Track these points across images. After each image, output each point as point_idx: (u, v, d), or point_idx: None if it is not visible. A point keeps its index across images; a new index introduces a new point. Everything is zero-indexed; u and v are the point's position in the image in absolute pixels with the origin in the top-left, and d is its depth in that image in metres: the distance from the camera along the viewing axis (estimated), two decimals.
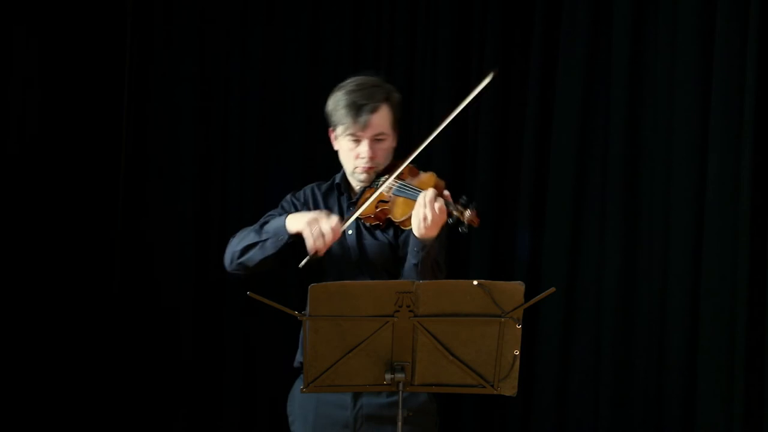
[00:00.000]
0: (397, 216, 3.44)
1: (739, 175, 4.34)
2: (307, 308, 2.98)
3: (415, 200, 3.34)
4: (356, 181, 3.58)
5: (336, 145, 3.61)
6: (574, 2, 4.83)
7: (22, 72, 5.27)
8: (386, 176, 3.50)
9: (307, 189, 3.67)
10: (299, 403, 3.52)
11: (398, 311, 2.98)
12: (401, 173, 3.47)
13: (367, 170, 3.52)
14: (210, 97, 5.45)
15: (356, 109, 3.49)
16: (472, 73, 5.06)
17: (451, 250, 3.55)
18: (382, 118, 3.52)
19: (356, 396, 3.42)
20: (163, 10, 5.47)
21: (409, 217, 3.36)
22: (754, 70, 4.31)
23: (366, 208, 3.47)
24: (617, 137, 4.71)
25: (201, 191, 5.43)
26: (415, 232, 3.32)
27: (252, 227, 3.55)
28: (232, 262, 3.52)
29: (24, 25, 5.25)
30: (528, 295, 3.02)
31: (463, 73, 5.08)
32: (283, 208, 3.63)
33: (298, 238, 3.40)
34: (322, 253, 3.36)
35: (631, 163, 4.69)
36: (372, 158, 3.51)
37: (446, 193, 3.37)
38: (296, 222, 3.41)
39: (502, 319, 3.00)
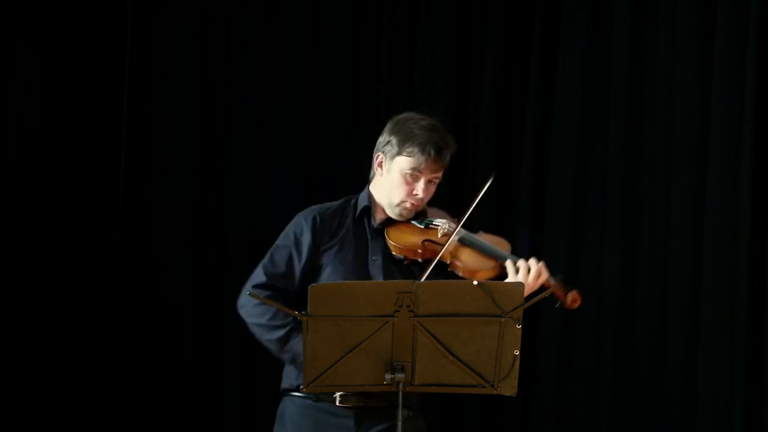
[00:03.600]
0: (467, 264, 3.41)
1: (739, 175, 4.34)
2: (307, 308, 2.98)
3: (492, 257, 3.41)
4: (395, 213, 3.50)
5: (381, 172, 3.52)
6: (574, 2, 4.83)
7: (22, 72, 5.27)
8: (430, 218, 3.49)
9: (317, 215, 3.53)
10: (291, 422, 3.45)
11: (398, 311, 2.98)
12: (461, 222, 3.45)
13: (414, 207, 3.49)
14: (210, 97, 5.45)
15: (436, 150, 3.41)
16: (472, 73, 5.07)
17: None
18: (445, 164, 3.48)
19: (359, 423, 3.39)
20: (163, 10, 5.47)
21: (483, 270, 3.38)
22: (754, 70, 4.31)
23: (410, 241, 3.45)
24: (617, 137, 4.71)
25: (201, 191, 5.43)
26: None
27: (269, 284, 3.45)
28: (246, 322, 3.51)
29: (24, 26, 5.25)
30: (528, 296, 3.02)
31: (463, 73, 5.08)
32: (297, 243, 3.49)
33: None
34: None
35: (631, 163, 4.69)
36: (424, 199, 3.47)
37: (542, 264, 3.41)
38: None
39: (502, 319, 3.00)
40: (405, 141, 3.44)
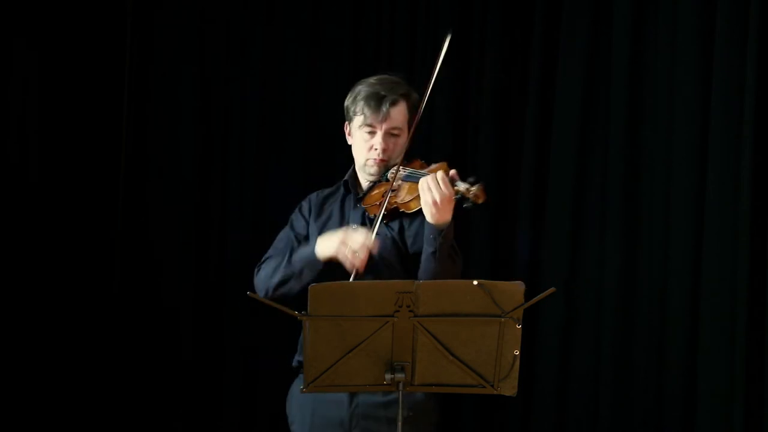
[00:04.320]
0: (402, 198, 3.45)
1: (739, 175, 4.34)
2: (308, 308, 2.98)
3: (417, 183, 3.39)
4: (366, 175, 3.59)
5: (350, 140, 3.63)
6: (574, 2, 4.83)
7: (22, 71, 5.27)
8: (395, 168, 3.51)
9: (311, 197, 3.70)
10: (297, 403, 3.53)
11: (398, 311, 2.98)
12: (411, 164, 3.49)
13: (379, 163, 3.54)
14: (210, 97, 5.45)
15: (377, 99, 3.51)
16: (472, 73, 5.07)
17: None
18: (399, 113, 3.55)
19: (353, 394, 3.43)
20: (163, 10, 5.47)
21: (414, 198, 3.39)
22: (754, 70, 4.30)
23: (374, 197, 3.50)
24: (617, 137, 4.71)
25: (201, 191, 5.43)
26: (429, 218, 3.34)
27: (275, 257, 3.57)
28: (268, 293, 3.53)
29: (24, 26, 5.25)
30: (528, 295, 3.02)
31: (463, 73, 5.08)
32: (293, 226, 3.67)
33: (332, 261, 3.41)
34: (362, 269, 3.36)
35: (631, 163, 4.69)
36: (384, 150, 3.53)
37: (452, 171, 3.39)
38: (326, 247, 3.42)
39: (502, 319, 3.00)
40: (354, 101, 3.56)
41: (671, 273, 4.54)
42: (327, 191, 3.70)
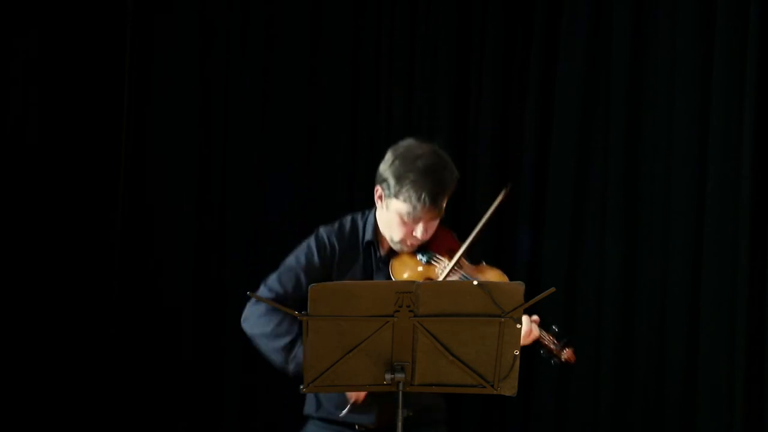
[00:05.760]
0: None
1: (739, 175, 4.34)
2: (307, 308, 2.98)
3: None
4: (396, 248, 3.48)
5: (380, 205, 3.45)
6: (574, 2, 4.83)
7: (23, 72, 5.27)
8: (434, 252, 3.45)
9: (332, 240, 3.50)
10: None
11: (398, 311, 2.98)
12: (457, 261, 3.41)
13: (414, 247, 3.45)
14: (210, 98, 5.45)
15: (431, 197, 3.33)
16: (472, 74, 5.07)
17: None
18: (443, 210, 3.43)
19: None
20: (163, 11, 5.47)
21: None
22: (754, 70, 4.31)
23: (405, 272, 3.45)
24: (617, 137, 4.71)
25: (201, 191, 5.43)
26: None
27: (287, 289, 3.43)
28: (250, 336, 3.49)
29: (24, 26, 5.25)
30: (528, 295, 3.02)
31: (463, 74, 5.08)
32: (309, 269, 3.47)
33: None
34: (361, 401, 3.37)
35: (631, 163, 4.69)
36: (423, 239, 3.43)
37: (535, 317, 3.35)
38: None
39: (502, 319, 3.00)
40: (401, 185, 3.35)
41: (671, 273, 4.54)
42: (342, 234, 3.51)
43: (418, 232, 3.40)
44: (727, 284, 4.37)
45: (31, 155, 5.28)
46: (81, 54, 5.39)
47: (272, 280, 3.48)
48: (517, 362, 3.05)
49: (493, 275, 3.44)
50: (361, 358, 3.01)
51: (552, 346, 3.36)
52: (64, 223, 5.34)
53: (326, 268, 3.47)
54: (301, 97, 5.37)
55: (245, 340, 5.31)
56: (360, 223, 3.54)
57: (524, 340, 3.23)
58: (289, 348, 3.40)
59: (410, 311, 2.98)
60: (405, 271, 3.45)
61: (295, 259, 3.49)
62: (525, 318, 3.24)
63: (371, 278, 3.47)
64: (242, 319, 3.51)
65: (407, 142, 3.44)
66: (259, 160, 5.39)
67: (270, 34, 5.41)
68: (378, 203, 3.46)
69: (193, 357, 5.37)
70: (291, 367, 3.40)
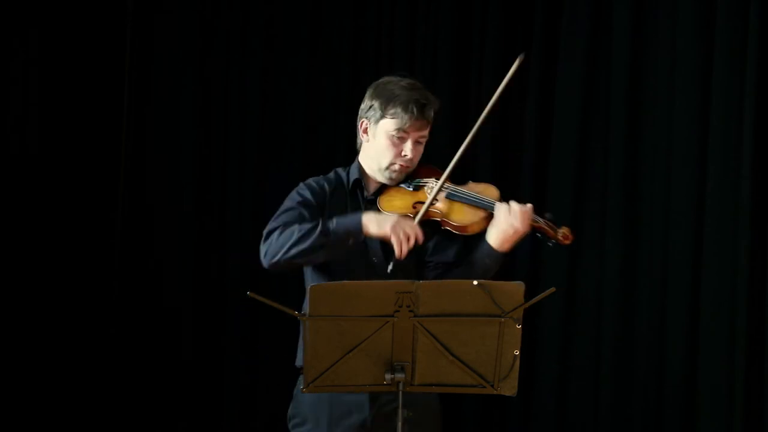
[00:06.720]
0: (457, 220, 3.40)
1: (739, 175, 4.34)
2: (307, 308, 2.98)
3: (480, 207, 3.39)
4: (385, 178, 3.50)
5: (366, 138, 3.52)
6: (574, 2, 4.83)
7: (23, 72, 5.27)
8: (419, 179, 3.47)
9: (318, 182, 3.55)
10: (310, 403, 3.47)
11: (398, 311, 2.98)
12: (446, 178, 3.43)
13: (404, 169, 3.48)
14: (210, 98, 5.45)
15: (419, 107, 3.43)
16: (472, 74, 5.07)
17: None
18: (430, 122, 3.50)
19: (373, 397, 3.40)
20: (163, 11, 5.47)
21: (474, 223, 3.38)
22: (754, 70, 4.31)
23: (395, 204, 3.44)
24: (617, 137, 4.71)
25: (201, 191, 5.43)
26: (495, 243, 3.36)
27: (294, 223, 3.39)
28: (277, 257, 3.37)
29: (24, 26, 5.25)
30: (528, 295, 3.02)
31: (463, 74, 5.08)
32: (306, 198, 3.49)
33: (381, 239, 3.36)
34: (404, 257, 3.33)
35: (631, 163, 4.69)
36: (412, 159, 3.47)
37: (529, 205, 3.39)
38: (379, 225, 3.33)
39: (502, 319, 3.00)
40: (387, 103, 3.46)
41: (671, 273, 4.54)
42: (327, 181, 3.56)
43: (407, 149, 3.44)
44: (727, 284, 4.38)
45: (30, 155, 5.28)
46: (81, 54, 5.39)
47: (274, 222, 3.44)
48: (517, 362, 3.05)
49: (482, 189, 3.46)
50: (361, 358, 3.01)
51: (547, 227, 3.38)
52: (64, 223, 5.34)
53: (320, 206, 3.48)
54: (301, 97, 5.37)
55: (245, 340, 5.36)
56: (343, 172, 3.59)
57: (524, 223, 3.32)
58: (319, 221, 3.35)
59: (410, 311, 2.98)
60: (394, 201, 3.45)
61: (290, 200, 3.50)
62: (518, 204, 3.35)
63: None
64: (262, 256, 3.41)
65: (386, 77, 3.57)
66: (259, 160, 5.39)
67: (270, 34, 5.41)
68: (364, 137, 3.52)
69: (193, 357, 5.36)
70: (337, 242, 3.34)
